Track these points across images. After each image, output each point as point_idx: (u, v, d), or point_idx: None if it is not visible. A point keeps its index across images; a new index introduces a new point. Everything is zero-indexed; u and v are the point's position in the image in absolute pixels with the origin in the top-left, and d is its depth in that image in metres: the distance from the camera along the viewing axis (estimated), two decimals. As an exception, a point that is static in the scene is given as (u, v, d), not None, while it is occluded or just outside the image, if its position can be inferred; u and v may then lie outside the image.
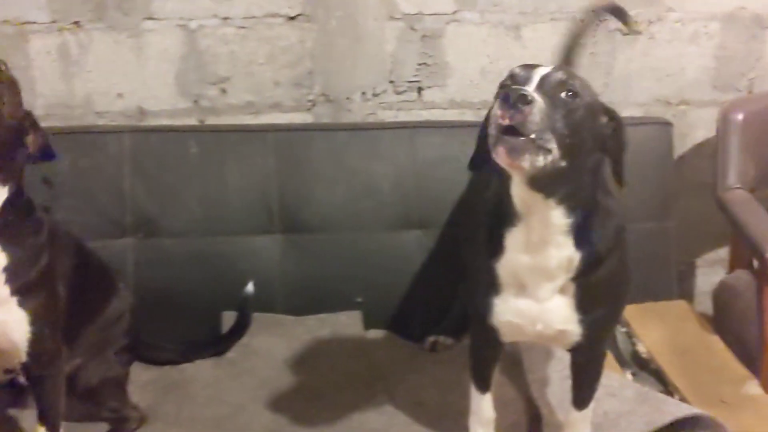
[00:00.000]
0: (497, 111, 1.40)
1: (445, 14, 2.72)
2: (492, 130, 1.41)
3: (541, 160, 1.41)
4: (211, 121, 2.73)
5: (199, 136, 2.54)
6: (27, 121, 1.79)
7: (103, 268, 2.26)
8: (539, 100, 1.40)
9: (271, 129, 2.58)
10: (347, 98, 2.78)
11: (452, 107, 2.82)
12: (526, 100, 1.38)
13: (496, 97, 1.44)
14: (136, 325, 2.29)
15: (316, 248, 2.55)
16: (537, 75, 1.47)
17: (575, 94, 1.46)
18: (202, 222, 2.50)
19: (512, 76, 1.50)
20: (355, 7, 2.68)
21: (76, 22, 2.57)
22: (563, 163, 1.44)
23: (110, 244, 2.42)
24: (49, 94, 2.65)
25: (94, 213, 2.43)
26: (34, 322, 1.81)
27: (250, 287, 2.46)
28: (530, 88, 1.42)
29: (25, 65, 2.59)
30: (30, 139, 1.80)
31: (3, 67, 1.70)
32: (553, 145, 1.41)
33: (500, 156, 1.42)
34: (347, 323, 2.52)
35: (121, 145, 2.48)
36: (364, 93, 2.78)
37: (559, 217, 1.56)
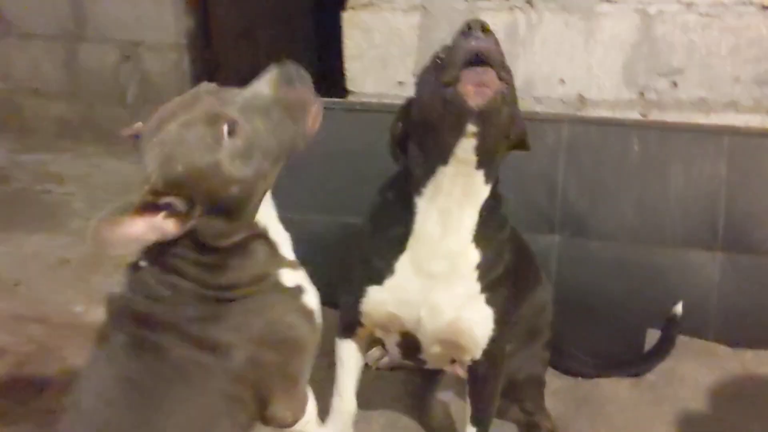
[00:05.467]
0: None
1: None
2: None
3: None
4: (655, 116, 2.50)
5: (644, 133, 2.31)
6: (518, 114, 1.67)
7: (531, 254, 2.14)
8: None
9: (728, 132, 2.27)
10: (821, 102, 2.39)
11: None
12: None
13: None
14: (557, 319, 2.15)
15: (763, 273, 2.23)
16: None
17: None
18: (635, 228, 2.29)
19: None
20: None
21: (528, 1, 2.45)
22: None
23: (536, 239, 2.28)
24: (491, 74, 2.57)
25: (523, 204, 2.31)
26: (498, 320, 1.74)
27: (678, 309, 2.21)
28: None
29: (473, 43, 2.54)
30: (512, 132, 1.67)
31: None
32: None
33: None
34: (791, 364, 2.17)
35: (558, 135, 2.33)
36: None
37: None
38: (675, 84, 2.46)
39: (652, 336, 2.25)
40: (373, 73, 2.66)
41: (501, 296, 1.75)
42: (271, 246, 1.50)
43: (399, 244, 1.71)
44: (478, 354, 1.77)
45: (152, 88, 4.38)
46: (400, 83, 2.63)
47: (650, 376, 2.20)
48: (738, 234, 2.24)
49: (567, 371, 2.25)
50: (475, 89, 1.45)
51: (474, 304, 1.72)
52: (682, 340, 2.23)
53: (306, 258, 1.58)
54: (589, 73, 2.52)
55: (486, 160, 1.59)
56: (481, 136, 1.52)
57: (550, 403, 2.10)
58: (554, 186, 2.32)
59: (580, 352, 2.27)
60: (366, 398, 2.01)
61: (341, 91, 2.72)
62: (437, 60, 1.55)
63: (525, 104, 2.57)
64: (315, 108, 1.45)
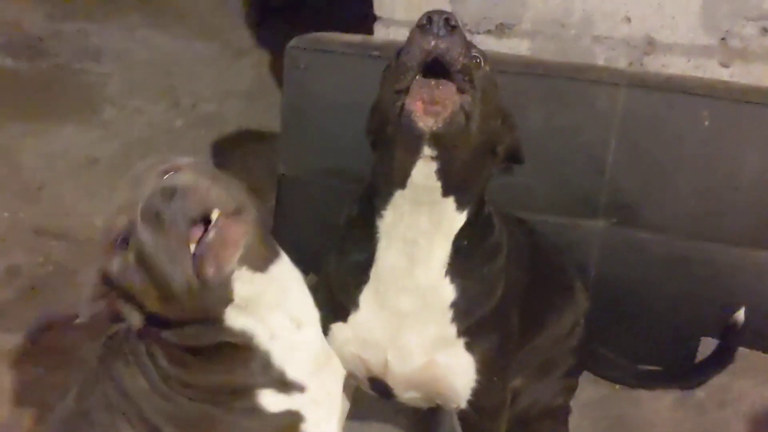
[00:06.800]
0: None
1: None
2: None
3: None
4: (738, 67, 2.07)
5: (717, 104, 1.89)
6: (505, 124, 1.35)
7: (560, 266, 1.85)
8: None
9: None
10: None
11: None
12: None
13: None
14: (589, 335, 1.88)
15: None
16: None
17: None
18: (696, 219, 1.93)
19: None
20: None
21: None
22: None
23: (574, 225, 1.98)
24: (542, 7, 2.17)
25: (562, 184, 1.98)
26: (481, 370, 1.48)
27: (740, 315, 1.89)
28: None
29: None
30: (500, 147, 1.36)
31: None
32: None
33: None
34: None
35: (613, 100, 1.94)
36: None
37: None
38: (765, 30, 2.01)
39: (707, 345, 1.95)
40: (404, -3, 2.27)
41: (488, 342, 1.48)
42: (261, 357, 1.31)
43: (362, 274, 1.44)
44: (462, 404, 1.52)
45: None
46: (438, 11, 2.24)
47: (700, 393, 1.93)
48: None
49: (604, 377, 1.99)
50: (425, 107, 1.14)
51: (450, 350, 1.46)
52: (741, 352, 1.93)
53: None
54: (660, 12, 2.09)
55: (455, 185, 1.29)
56: (443, 160, 1.22)
57: (577, 420, 1.87)
58: (602, 162, 1.96)
59: (621, 357, 1.99)
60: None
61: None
62: (397, 57, 1.22)
63: (581, 44, 2.16)
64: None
